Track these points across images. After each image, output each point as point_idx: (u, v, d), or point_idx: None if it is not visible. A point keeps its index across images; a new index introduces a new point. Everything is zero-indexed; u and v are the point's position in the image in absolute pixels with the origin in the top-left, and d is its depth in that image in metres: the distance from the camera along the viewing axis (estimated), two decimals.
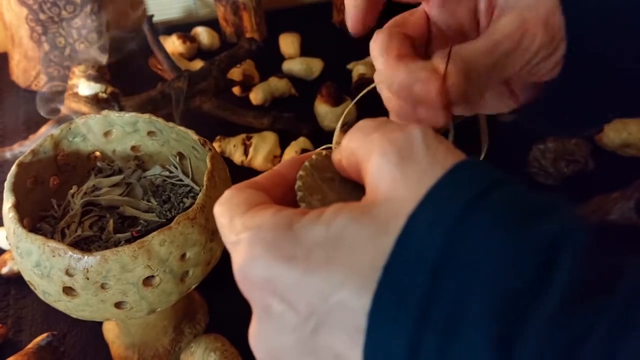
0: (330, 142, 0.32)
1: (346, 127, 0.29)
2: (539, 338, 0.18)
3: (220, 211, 0.25)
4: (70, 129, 0.54)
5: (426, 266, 0.20)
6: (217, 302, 0.63)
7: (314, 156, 0.29)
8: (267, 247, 0.22)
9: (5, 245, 0.68)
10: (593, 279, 0.19)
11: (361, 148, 0.24)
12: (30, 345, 0.57)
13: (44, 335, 0.58)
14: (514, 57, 0.31)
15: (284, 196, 0.27)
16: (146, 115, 0.54)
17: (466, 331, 0.19)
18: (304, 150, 0.77)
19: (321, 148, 0.30)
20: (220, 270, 0.53)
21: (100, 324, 0.60)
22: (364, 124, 0.26)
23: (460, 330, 0.19)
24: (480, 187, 0.21)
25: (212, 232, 0.47)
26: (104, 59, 0.75)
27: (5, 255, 0.66)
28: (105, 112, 0.54)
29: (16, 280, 0.64)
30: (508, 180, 0.22)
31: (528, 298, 0.19)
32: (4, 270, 0.65)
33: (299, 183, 0.27)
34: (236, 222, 0.24)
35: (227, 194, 0.26)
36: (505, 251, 0.20)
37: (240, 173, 0.79)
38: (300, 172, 0.28)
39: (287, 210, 0.23)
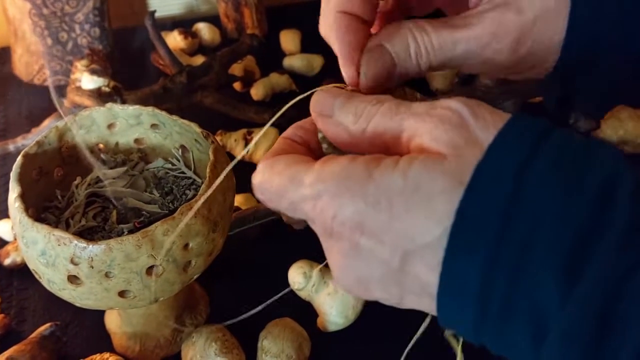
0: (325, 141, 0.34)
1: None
2: (602, 266, 0.21)
3: (267, 177, 0.28)
4: (74, 121, 0.54)
5: (497, 209, 0.22)
6: (217, 294, 0.64)
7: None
8: (355, 194, 0.25)
9: (7, 237, 0.69)
10: None
11: (392, 128, 0.27)
12: (33, 335, 0.58)
13: (47, 325, 0.59)
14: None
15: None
16: (150, 108, 0.55)
17: (535, 263, 0.22)
18: None
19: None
20: (220, 262, 0.54)
21: (102, 314, 0.61)
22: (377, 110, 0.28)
23: (528, 265, 0.22)
24: (534, 137, 0.23)
25: (214, 223, 0.48)
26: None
27: (8, 247, 0.66)
28: (109, 104, 0.55)
29: (19, 271, 0.65)
30: (554, 129, 0.24)
31: (592, 232, 0.22)
32: (7, 261, 0.65)
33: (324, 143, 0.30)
34: (305, 178, 0.27)
35: (262, 165, 0.29)
36: (568, 193, 0.22)
37: (241, 168, 0.79)
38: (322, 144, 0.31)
39: (360, 158, 0.26)
